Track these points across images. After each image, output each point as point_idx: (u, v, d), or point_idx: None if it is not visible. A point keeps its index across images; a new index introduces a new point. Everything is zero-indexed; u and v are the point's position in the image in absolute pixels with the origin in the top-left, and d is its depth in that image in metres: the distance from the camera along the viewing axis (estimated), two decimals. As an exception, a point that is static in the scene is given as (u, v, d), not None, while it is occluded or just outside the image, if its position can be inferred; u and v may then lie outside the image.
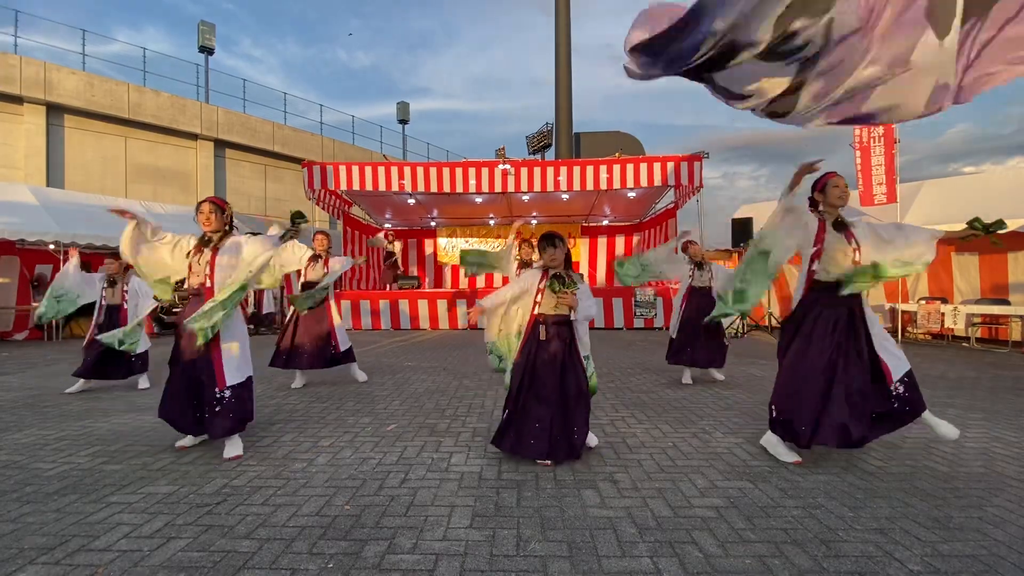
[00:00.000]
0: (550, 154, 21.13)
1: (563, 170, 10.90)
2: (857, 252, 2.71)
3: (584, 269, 14.71)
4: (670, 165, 10.46)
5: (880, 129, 9.30)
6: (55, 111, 15.06)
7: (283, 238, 3.18)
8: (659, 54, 1.66)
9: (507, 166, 10.83)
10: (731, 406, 4.02)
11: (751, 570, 1.71)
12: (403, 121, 30.36)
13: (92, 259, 10.89)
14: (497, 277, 15.86)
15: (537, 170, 11.03)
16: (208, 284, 2.92)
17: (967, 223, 2.79)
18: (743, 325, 9.80)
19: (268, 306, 11.51)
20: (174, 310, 8.86)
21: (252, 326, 10.49)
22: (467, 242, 15.94)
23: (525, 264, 5.72)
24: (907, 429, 3.10)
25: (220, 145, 18.87)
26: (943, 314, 8.04)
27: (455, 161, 11.41)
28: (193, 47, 20.77)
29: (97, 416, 3.83)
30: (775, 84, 1.75)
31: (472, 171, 10.91)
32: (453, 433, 3.32)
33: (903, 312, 8.83)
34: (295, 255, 4.39)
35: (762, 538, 1.92)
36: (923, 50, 1.53)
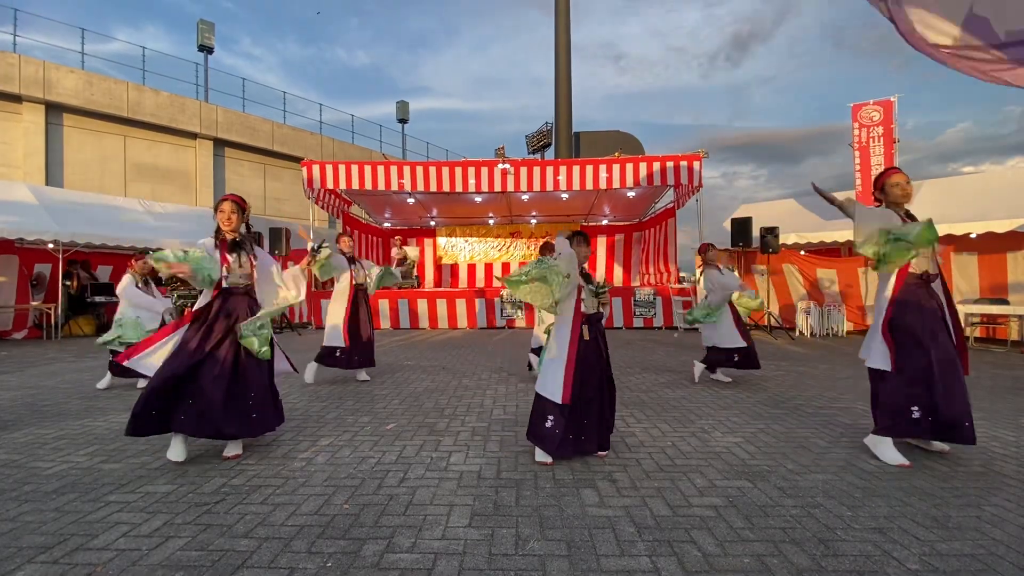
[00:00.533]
0: (549, 153, 21.16)
1: (562, 169, 10.91)
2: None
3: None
4: (669, 164, 10.47)
5: (880, 129, 9.31)
6: (54, 110, 15.05)
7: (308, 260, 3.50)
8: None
9: (507, 165, 10.83)
10: (730, 405, 4.02)
11: (750, 569, 1.71)
12: (403, 120, 30.34)
13: (92, 257, 10.91)
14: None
15: (536, 169, 11.03)
16: (252, 283, 3.03)
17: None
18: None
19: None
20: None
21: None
22: (467, 241, 15.96)
23: None
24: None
25: (219, 144, 18.86)
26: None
27: (454, 160, 11.42)
28: (192, 46, 20.73)
29: (95, 415, 3.83)
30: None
31: (472, 170, 10.91)
32: (452, 432, 3.32)
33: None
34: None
35: (761, 537, 1.92)
36: None
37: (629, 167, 10.66)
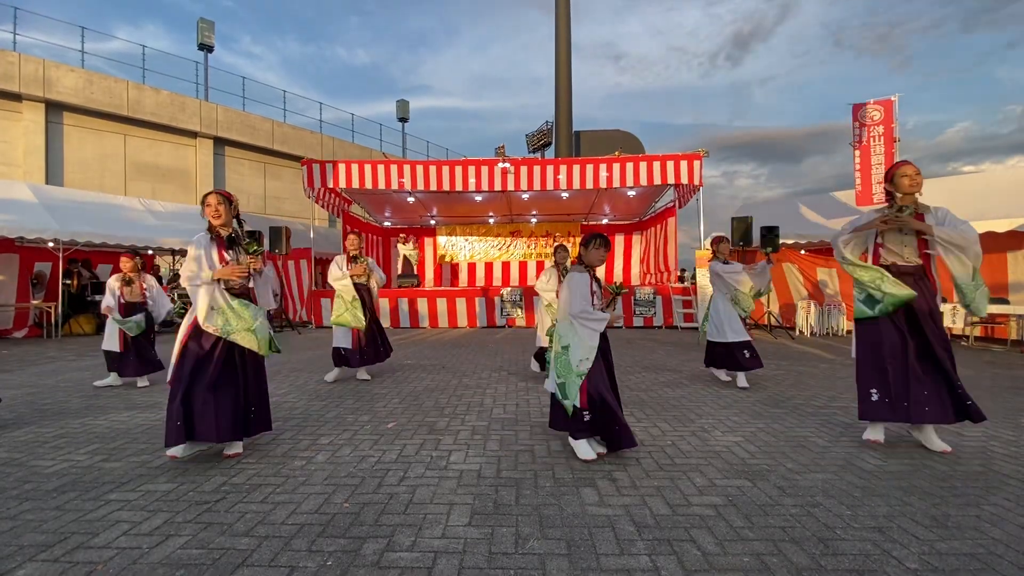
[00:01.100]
0: (550, 152, 21.15)
1: (563, 168, 10.90)
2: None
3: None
4: (670, 164, 10.46)
5: (880, 128, 9.30)
6: (54, 108, 15.05)
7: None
8: None
9: (507, 164, 10.83)
10: (730, 405, 4.02)
11: (749, 568, 1.72)
12: (403, 119, 30.34)
13: (92, 256, 10.91)
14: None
15: (537, 168, 11.03)
16: (251, 284, 2.96)
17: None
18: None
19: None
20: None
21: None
22: (467, 240, 15.95)
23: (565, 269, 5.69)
24: (910, 427, 3.11)
25: (219, 143, 18.86)
26: (941, 313, 8.05)
27: (455, 159, 11.41)
28: (192, 44, 20.75)
29: (96, 413, 3.83)
30: None
31: (472, 169, 10.91)
32: (452, 431, 3.32)
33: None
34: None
35: (760, 536, 1.93)
36: None
37: (629, 166, 10.65)
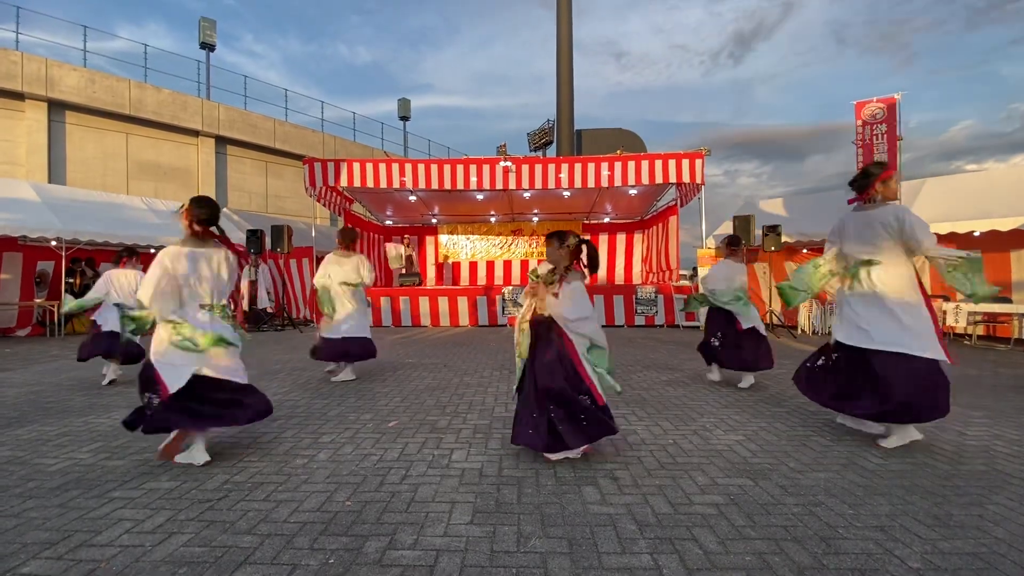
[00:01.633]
0: (551, 151, 21.12)
1: (564, 167, 10.88)
2: None
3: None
4: (671, 162, 10.44)
5: (883, 127, 9.27)
6: (57, 107, 15.07)
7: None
8: None
9: (508, 163, 10.81)
10: (731, 404, 4.02)
11: (751, 567, 1.72)
12: (404, 118, 30.32)
13: (95, 255, 10.94)
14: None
15: (538, 167, 11.01)
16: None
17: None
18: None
19: (263, 302, 11.39)
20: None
21: (250, 324, 10.42)
22: (468, 239, 15.93)
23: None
24: (915, 427, 3.10)
25: (221, 142, 18.87)
26: (944, 312, 8.03)
27: (456, 158, 11.38)
28: (194, 43, 20.70)
29: (99, 412, 3.84)
30: None
31: (473, 168, 10.90)
32: (454, 430, 3.33)
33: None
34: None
35: (762, 535, 1.93)
36: None
37: (631, 165, 10.63)
